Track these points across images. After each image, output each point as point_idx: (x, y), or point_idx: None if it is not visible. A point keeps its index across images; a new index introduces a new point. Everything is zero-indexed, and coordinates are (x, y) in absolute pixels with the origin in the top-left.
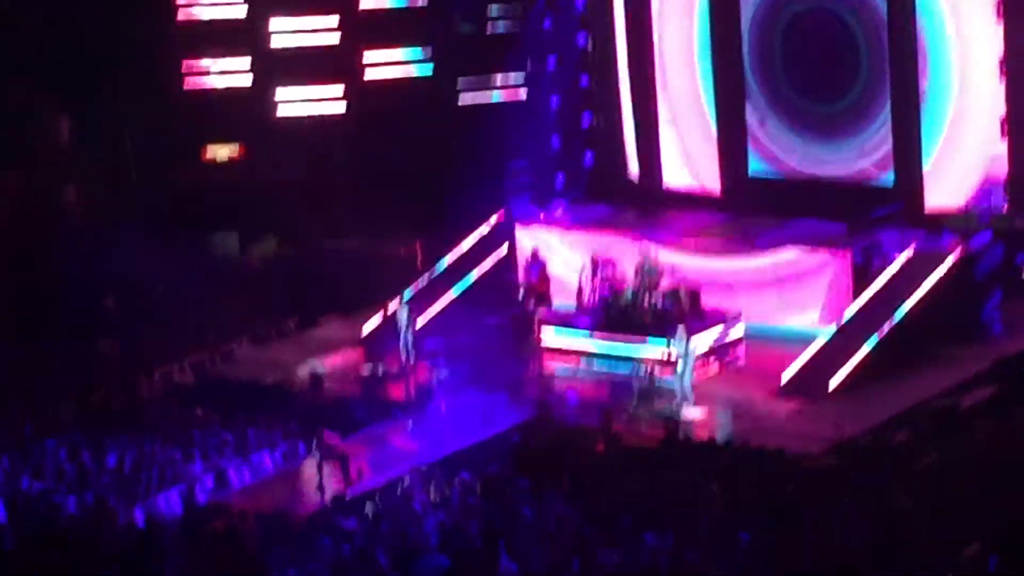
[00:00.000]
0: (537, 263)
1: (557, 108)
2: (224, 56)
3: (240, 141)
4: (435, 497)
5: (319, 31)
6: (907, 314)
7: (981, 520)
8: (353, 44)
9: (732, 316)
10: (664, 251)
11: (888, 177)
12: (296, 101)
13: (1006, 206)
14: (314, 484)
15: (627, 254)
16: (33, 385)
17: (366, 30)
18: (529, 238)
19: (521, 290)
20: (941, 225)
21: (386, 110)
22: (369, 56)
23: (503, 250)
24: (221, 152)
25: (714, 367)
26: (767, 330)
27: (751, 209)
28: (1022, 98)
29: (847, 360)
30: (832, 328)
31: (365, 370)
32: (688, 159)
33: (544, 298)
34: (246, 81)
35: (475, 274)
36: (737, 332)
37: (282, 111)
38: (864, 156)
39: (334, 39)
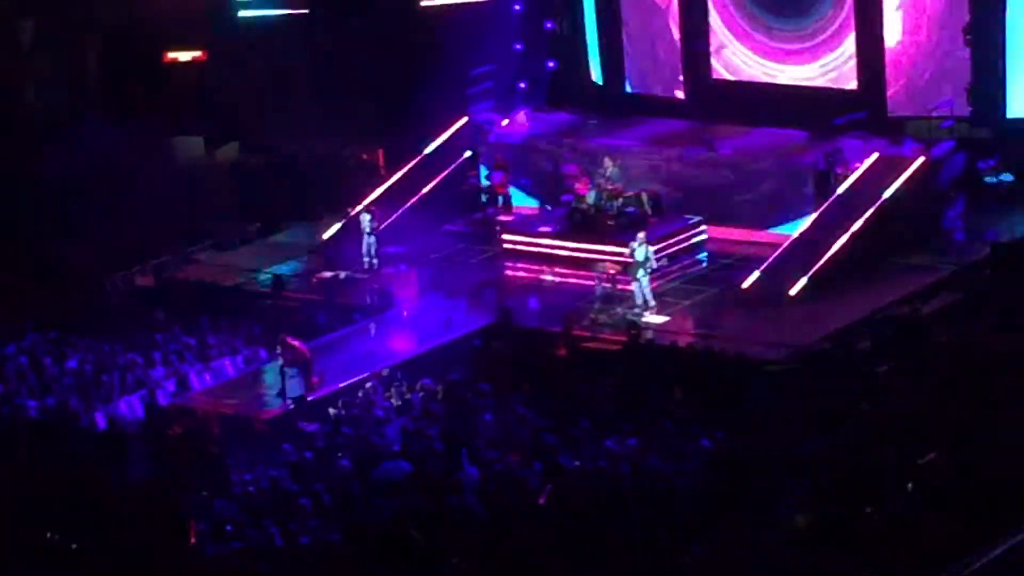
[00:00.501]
0: (499, 169)
1: (520, 13)
2: None
3: (202, 44)
4: (397, 402)
5: None
6: (868, 221)
7: (939, 427)
8: None
9: (694, 221)
10: (626, 156)
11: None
12: (258, 4)
13: (968, 113)
14: (275, 389)
15: (589, 160)
16: None
17: None
18: (492, 143)
19: (483, 195)
20: (904, 132)
21: (349, 13)
22: None
23: (465, 155)
24: (183, 55)
25: (675, 272)
26: (730, 235)
27: (715, 116)
28: (983, 6)
29: (808, 267)
30: (793, 235)
31: (326, 275)
32: (651, 65)
33: (506, 203)
34: None
35: (437, 179)
36: (698, 238)
37: (244, 14)
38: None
39: None
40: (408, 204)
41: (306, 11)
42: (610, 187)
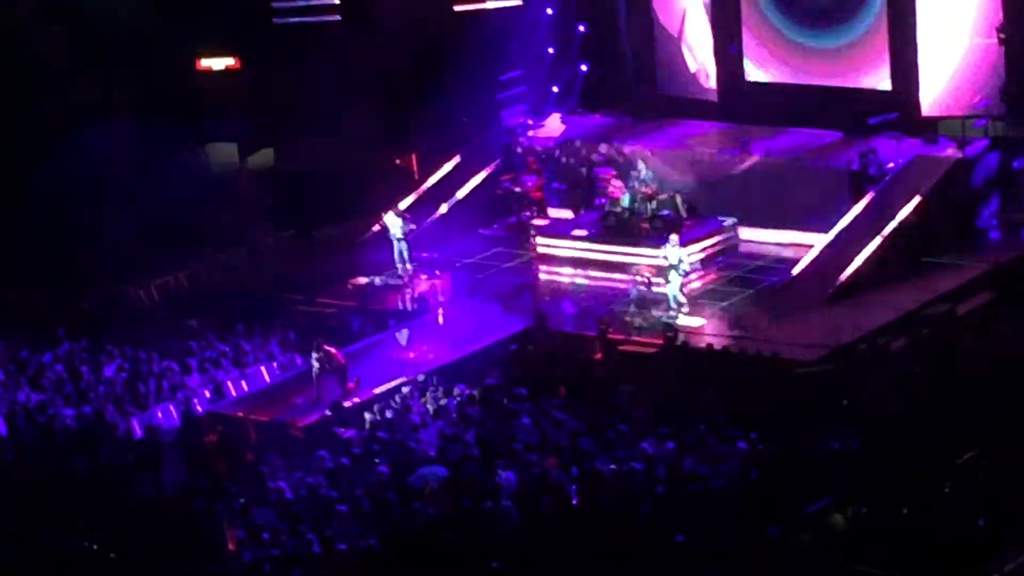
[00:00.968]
0: (532, 173)
1: (552, 16)
2: None
3: (235, 51)
4: (432, 407)
5: None
6: (904, 221)
7: (976, 427)
8: None
9: (729, 223)
10: (660, 159)
11: None
12: (292, 10)
13: (1003, 112)
14: (312, 395)
15: (623, 163)
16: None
17: None
18: (525, 147)
19: (517, 199)
20: (937, 132)
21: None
22: None
23: (499, 160)
24: (216, 63)
25: (710, 274)
26: (765, 237)
27: (748, 117)
28: (1017, 4)
29: (843, 268)
30: (830, 235)
31: (361, 281)
32: (684, 67)
33: (540, 207)
34: None
35: (471, 184)
36: (733, 239)
37: (278, 18)
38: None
39: None
40: (442, 209)
41: (338, 17)
42: (644, 190)
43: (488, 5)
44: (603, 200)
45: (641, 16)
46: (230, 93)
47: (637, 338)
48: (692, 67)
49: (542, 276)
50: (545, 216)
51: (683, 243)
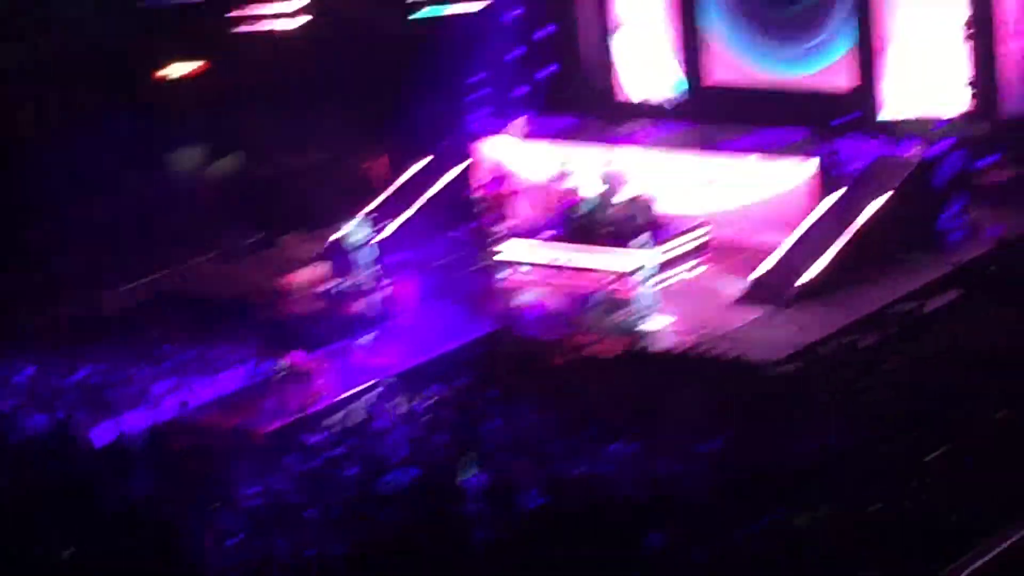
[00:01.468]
0: (498, 176)
1: (517, 19)
2: None
3: (203, 55)
4: (401, 410)
5: None
6: (868, 221)
7: (945, 424)
8: None
9: (695, 224)
10: (625, 161)
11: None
12: (256, 16)
13: (966, 112)
14: (278, 400)
15: (587, 164)
16: None
17: None
18: (490, 151)
19: (482, 203)
20: (901, 132)
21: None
22: None
23: (464, 163)
24: (180, 68)
25: (676, 275)
26: (729, 237)
27: (711, 118)
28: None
29: (809, 267)
30: (794, 235)
31: (328, 285)
32: (647, 69)
33: (505, 210)
34: None
35: (436, 188)
36: (699, 240)
37: (240, 26)
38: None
39: None
40: (408, 213)
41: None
42: (608, 192)
43: (451, 10)
44: (568, 202)
45: (602, 18)
46: (197, 98)
47: (604, 340)
48: (654, 68)
49: (508, 279)
50: (511, 219)
51: (649, 244)
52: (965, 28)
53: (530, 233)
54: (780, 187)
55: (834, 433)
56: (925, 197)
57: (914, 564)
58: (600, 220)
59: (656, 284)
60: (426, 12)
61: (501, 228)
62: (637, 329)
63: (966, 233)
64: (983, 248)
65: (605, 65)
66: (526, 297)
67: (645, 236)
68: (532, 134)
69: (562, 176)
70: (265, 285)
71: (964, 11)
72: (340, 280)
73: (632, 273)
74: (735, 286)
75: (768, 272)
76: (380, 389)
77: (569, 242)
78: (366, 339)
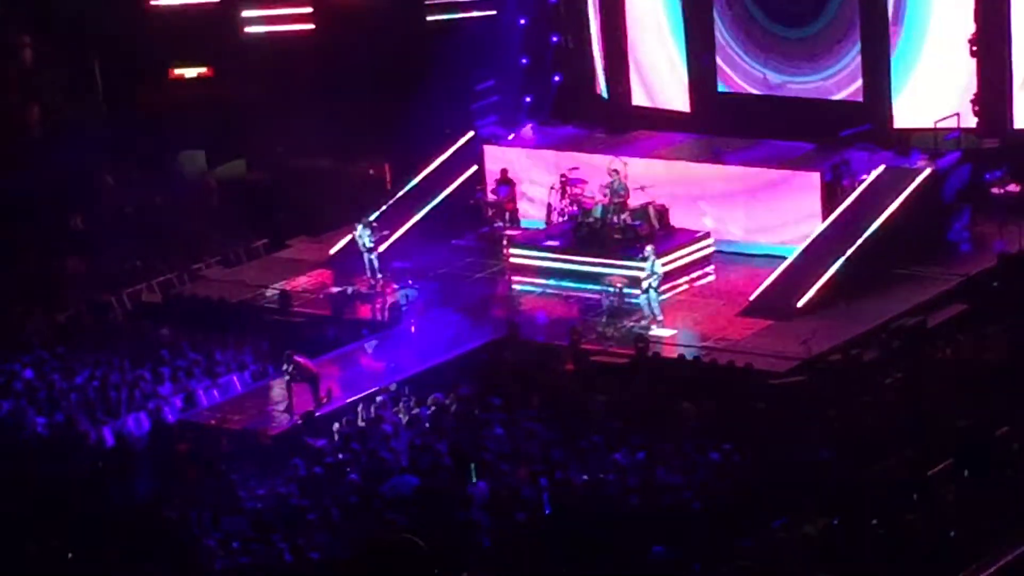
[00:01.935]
0: (506, 183)
1: (526, 27)
2: None
3: (207, 60)
4: (405, 417)
5: None
6: (875, 233)
7: (947, 438)
8: None
9: (701, 235)
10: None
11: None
12: (263, 19)
13: (974, 125)
14: (283, 405)
15: (596, 173)
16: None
17: None
18: (497, 158)
19: (490, 210)
20: (910, 144)
21: (354, 28)
22: None
23: (471, 170)
24: (189, 72)
25: (683, 285)
26: (736, 248)
27: (721, 128)
28: (991, 16)
29: (815, 279)
30: (800, 247)
31: (334, 290)
32: (657, 78)
33: (513, 217)
34: None
35: (443, 194)
36: (706, 250)
37: (249, 29)
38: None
39: None
40: (414, 219)
41: (312, 27)
42: (616, 201)
43: (462, 15)
44: (575, 210)
45: (613, 28)
46: (203, 102)
47: (609, 348)
48: (664, 77)
49: (514, 286)
50: (517, 226)
51: (656, 254)
52: (970, 44)
53: (536, 240)
54: (788, 197)
55: (836, 445)
56: (933, 210)
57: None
58: (607, 228)
59: (662, 293)
60: (436, 16)
61: (508, 235)
62: (644, 336)
63: (973, 246)
64: (990, 262)
65: (612, 74)
66: (532, 304)
67: (652, 245)
68: (539, 142)
69: (569, 184)
70: (271, 289)
71: (971, 26)
72: (346, 286)
73: (641, 280)
74: (742, 296)
75: (775, 282)
76: (385, 394)
77: (576, 250)
78: (371, 344)
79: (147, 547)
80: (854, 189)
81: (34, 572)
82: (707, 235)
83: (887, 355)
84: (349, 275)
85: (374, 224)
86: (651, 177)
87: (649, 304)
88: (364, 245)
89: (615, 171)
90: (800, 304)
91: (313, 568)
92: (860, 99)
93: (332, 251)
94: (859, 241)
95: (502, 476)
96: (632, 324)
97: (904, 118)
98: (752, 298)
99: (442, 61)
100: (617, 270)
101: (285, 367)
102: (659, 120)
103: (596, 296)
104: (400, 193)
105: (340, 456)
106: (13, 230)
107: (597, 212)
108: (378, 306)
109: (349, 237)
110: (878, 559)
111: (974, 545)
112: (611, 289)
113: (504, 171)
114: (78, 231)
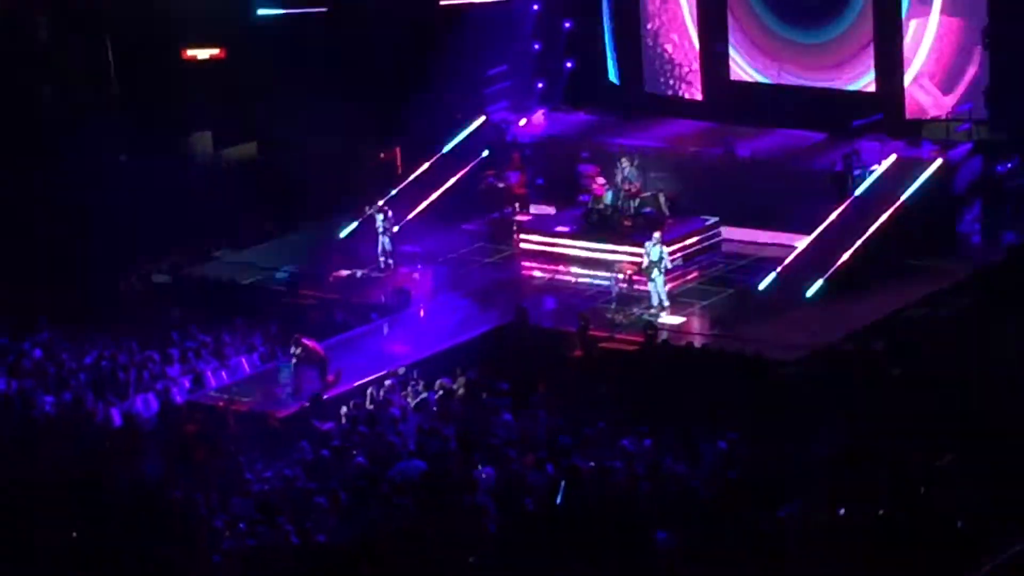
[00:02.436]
0: (516, 169)
1: (538, 12)
2: None
3: (220, 41)
4: (413, 401)
5: None
6: (886, 223)
7: (955, 430)
8: None
9: (711, 223)
10: (644, 157)
11: None
12: (276, 1)
13: (986, 116)
14: (291, 387)
15: (607, 160)
16: (11, 284)
17: None
18: (509, 143)
19: (500, 195)
20: (921, 135)
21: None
22: None
23: (483, 155)
24: (201, 52)
25: (692, 273)
26: (746, 236)
27: (733, 116)
28: (1002, 7)
29: (825, 269)
30: (811, 236)
31: (343, 273)
32: (669, 65)
33: (523, 203)
34: None
35: (454, 179)
36: (716, 238)
37: (262, 11)
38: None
39: None
40: (425, 203)
41: (324, 9)
42: (627, 187)
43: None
44: (586, 197)
45: (626, 13)
46: (214, 83)
47: (617, 335)
48: (676, 64)
49: (524, 272)
50: (527, 212)
51: (665, 241)
52: (983, 36)
53: (548, 226)
54: (800, 187)
55: (844, 434)
56: (943, 201)
57: (916, 569)
58: (619, 215)
59: (671, 280)
60: (449, 1)
61: (519, 220)
62: (653, 324)
63: (984, 238)
64: (1000, 254)
65: (627, 60)
66: (542, 289)
67: (663, 232)
68: (551, 128)
69: (580, 170)
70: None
71: (983, 19)
72: (356, 269)
73: (650, 268)
74: (752, 284)
75: (784, 271)
76: (394, 378)
77: (587, 236)
78: (380, 328)
79: (153, 527)
80: (864, 179)
81: (40, 551)
82: (717, 223)
83: (896, 346)
84: (359, 258)
85: (387, 208)
86: (663, 163)
87: (657, 291)
88: (378, 228)
89: (627, 159)
90: (809, 293)
91: (320, 551)
92: (873, 90)
93: (342, 234)
94: (869, 231)
95: (509, 461)
96: (641, 311)
97: (916, 108)
98: (761, 287)
99: (454, 46)
100: (627, 257)
101: (293, 349)
102: (671, 107)
103: (605, 282)
104: (411, 177)
105: (348, 440)
106: (25, 211)
107: (608, 199)
108: (388, 289)
109: (359, 220)
110: (884, 550)
111: (982, 536)
112: (620, 275)
113: (516, 157)
114: (89, 212)
